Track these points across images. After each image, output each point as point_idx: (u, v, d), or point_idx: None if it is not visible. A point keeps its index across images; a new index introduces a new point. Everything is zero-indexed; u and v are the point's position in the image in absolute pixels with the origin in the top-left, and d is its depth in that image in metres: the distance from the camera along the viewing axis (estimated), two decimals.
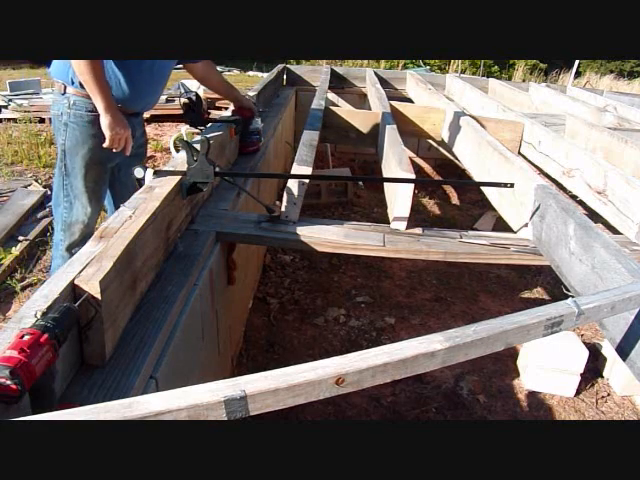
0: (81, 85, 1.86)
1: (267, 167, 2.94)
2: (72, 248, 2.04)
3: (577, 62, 9.88)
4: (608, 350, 2.51)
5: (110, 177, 2.15)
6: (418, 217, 4.06)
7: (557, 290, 3.18)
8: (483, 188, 2.58)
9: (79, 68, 1.75)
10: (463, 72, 11.84)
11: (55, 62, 1.95)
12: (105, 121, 1.83)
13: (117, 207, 1.48)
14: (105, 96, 1.80)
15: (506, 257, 1.86)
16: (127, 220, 1.34)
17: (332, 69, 5.31)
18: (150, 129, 5.73)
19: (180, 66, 2.30)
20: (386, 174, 2.44)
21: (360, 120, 3.33)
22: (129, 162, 2.04)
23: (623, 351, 1.20)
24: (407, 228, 1.94)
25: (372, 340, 2.63)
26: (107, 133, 1.86)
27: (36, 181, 4.07)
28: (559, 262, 1.61)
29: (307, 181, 1.99)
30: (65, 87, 1.92)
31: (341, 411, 2.16)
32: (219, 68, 12.28)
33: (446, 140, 3.43)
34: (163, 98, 6.02)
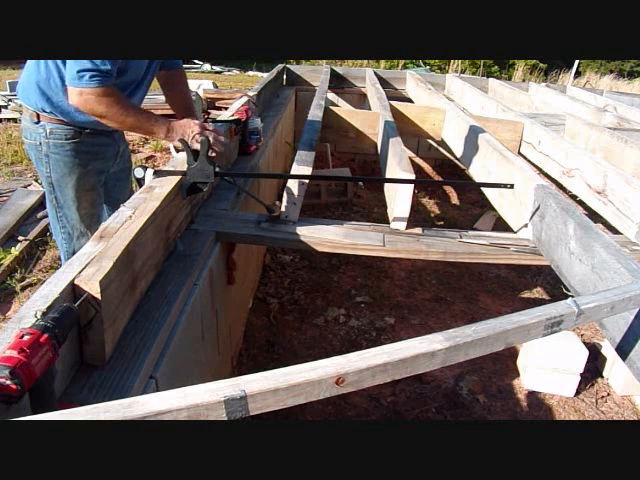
0: (56, 111, 1.68)
1: (267, 167, 2.94)
2: None
3: (577, 62, 9.88)
4: (608, 350, 2.51)
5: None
6: (418, 217, 4.06)
7: (557, 290, 3.18)
8: (483, 188, 2.57)
9: (115, 122, 1.59)
10: (463, 72, 11.83)
11: (21, 84, 1.73)
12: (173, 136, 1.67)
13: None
14: (155, 123, 1.64)
15: (506, 257, 1.86)
16: (127, 220, 1.34)
17: (332, 69, 5.31)
18: None
19: None
20: (386, 174, 2.44)
21: (360, 120, 3.33)
22: (116, 177, 2.02)
23: (623, 351, 1.20)
24: (407, 228, 1.94)
25: (372, 340, 2.63)
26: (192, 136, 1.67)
27: (36, 181, 4.07)
28: (559, 262, 1.61)
29: (307, 181, 1.99)
30: (38, 115, 1.71)
31: (341, 411, 2.16)
32: (219, 68, 12.28)
33: (446, 140, 3.43)
34: (162, 98, 6.00)
